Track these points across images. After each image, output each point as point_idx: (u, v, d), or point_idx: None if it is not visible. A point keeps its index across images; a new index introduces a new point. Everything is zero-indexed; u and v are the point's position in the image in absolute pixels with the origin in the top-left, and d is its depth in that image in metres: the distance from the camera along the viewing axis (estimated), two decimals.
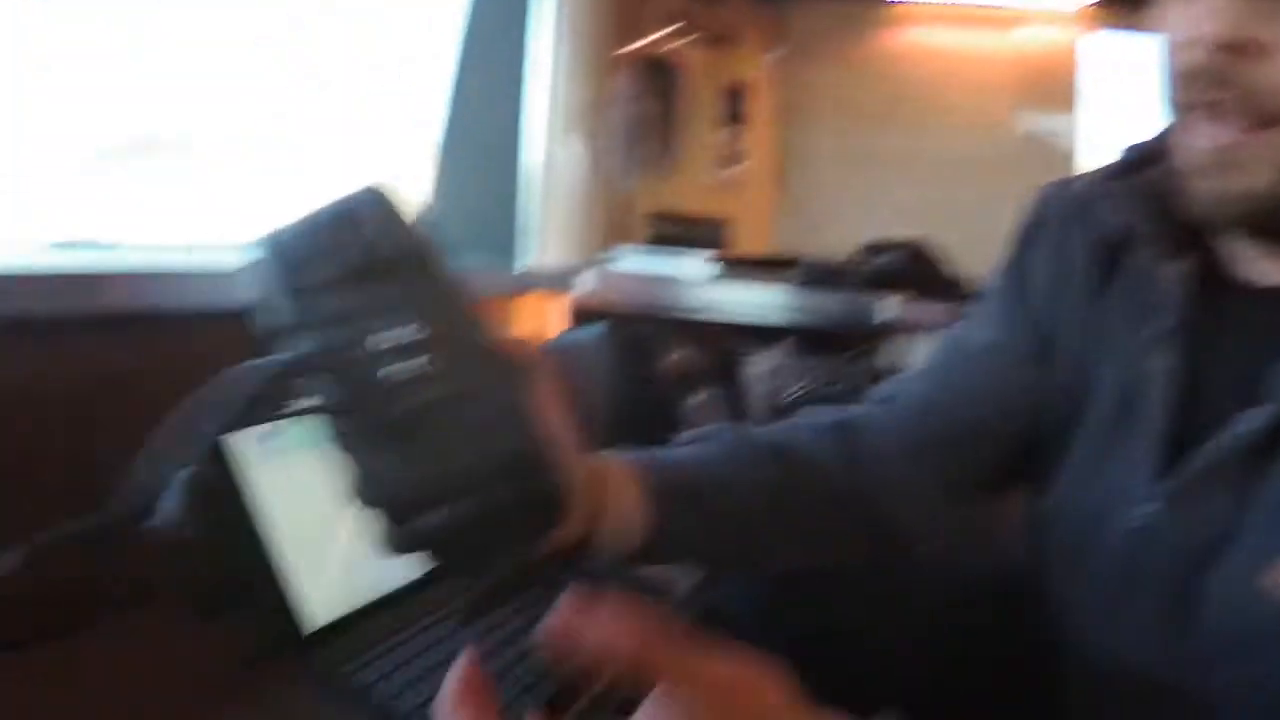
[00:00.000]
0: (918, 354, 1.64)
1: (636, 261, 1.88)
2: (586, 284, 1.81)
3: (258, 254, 0.48)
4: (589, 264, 1.88)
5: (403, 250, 0.48)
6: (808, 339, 1.83)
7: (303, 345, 0.45)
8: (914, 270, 1.81)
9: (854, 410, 0.85)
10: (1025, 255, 0.82)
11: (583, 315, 1.78)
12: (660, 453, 0.75)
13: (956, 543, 0.85)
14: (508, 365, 0.47)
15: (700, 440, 0.79)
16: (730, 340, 1.90)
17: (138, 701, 0.86)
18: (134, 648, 0.95)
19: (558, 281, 1.82)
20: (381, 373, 0.45)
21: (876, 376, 1.69)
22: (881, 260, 1.87)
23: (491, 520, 0.45)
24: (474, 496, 0.44)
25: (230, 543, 0.88)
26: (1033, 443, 0.80)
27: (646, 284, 1.80)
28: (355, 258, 0.47)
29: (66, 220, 1.19)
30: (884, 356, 1.71)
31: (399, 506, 0.44)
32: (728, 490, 0.73)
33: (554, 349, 1.47)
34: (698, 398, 1.71)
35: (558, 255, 1.90)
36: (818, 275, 1.76)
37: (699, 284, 1.77)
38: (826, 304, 1.70)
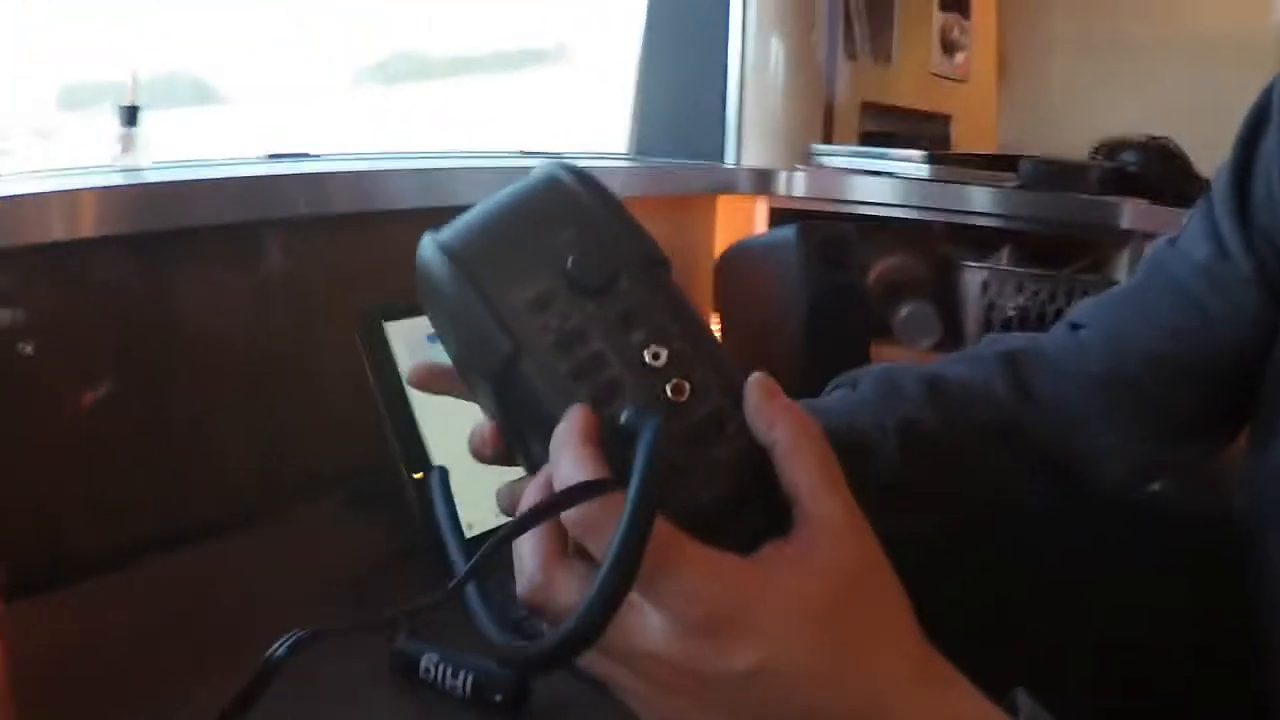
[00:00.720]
0: None
1: (846, 159, 1.77)
2: (792, 183, 1.72)
3: (431, 262, 0.44)
4: (795, 162, 1.78)
5: (612, 252, 0.44)
6: (1032, 247, 1.69)
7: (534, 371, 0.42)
8: (1157, 172, 1.63)
9: (1035, 337, 0.77)
10: (1249, 157, 0.70)
11: (787, 216, 1.68)
12: (807, 403, 0.69)
13: (1147, 497, 0.75)
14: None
15: (848, 385, 0.73)
16: (945, 247, 1.78)
17: (288, 595, 0.88)
18: (295, 539, 1.02)
19: (762, 180, 1.73)
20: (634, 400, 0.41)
21: None
22: (1119, 160, 1.69)
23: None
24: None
25: (391, 445, 0.90)
26: (1251, 383, 0.69)
27: (855, 183, 1.68)
28: (564, 266, 0.43)
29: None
30: (1119, 270, 1.56)
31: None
32: (877, 442, 0.68)
33: (751, 251, 1.40)
34: (906, 310, 1.61)
35: (763, 153, 1.80)
36: (1045, 176, 1.61)
37: (913, 184, 1.64)
38: (1054, 208, 1.55)
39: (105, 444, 0.97)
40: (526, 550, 0.41)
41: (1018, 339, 0.78)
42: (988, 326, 1.63)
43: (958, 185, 1.61)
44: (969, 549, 0.76)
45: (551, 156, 1.63)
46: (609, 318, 0.42)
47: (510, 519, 0.41)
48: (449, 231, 0.45)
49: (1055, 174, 1.60)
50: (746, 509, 0.42)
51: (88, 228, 0.92)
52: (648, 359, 0.42)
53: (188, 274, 1.04)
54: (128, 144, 1.06)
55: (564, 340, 0.42)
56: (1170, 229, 0.76)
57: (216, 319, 1.07)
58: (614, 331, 0.42)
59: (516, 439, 0.46)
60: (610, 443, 0.40)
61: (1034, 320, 1.60)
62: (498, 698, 0.73)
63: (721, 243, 1.73)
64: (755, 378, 0.44)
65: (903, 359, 1.64)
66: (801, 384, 1.25)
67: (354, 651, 0.82)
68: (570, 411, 0.41)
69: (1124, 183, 1.61)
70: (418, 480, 0.92)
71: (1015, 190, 1.59)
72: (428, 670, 0.78)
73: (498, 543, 0.39)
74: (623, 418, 0.40)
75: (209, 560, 0.96)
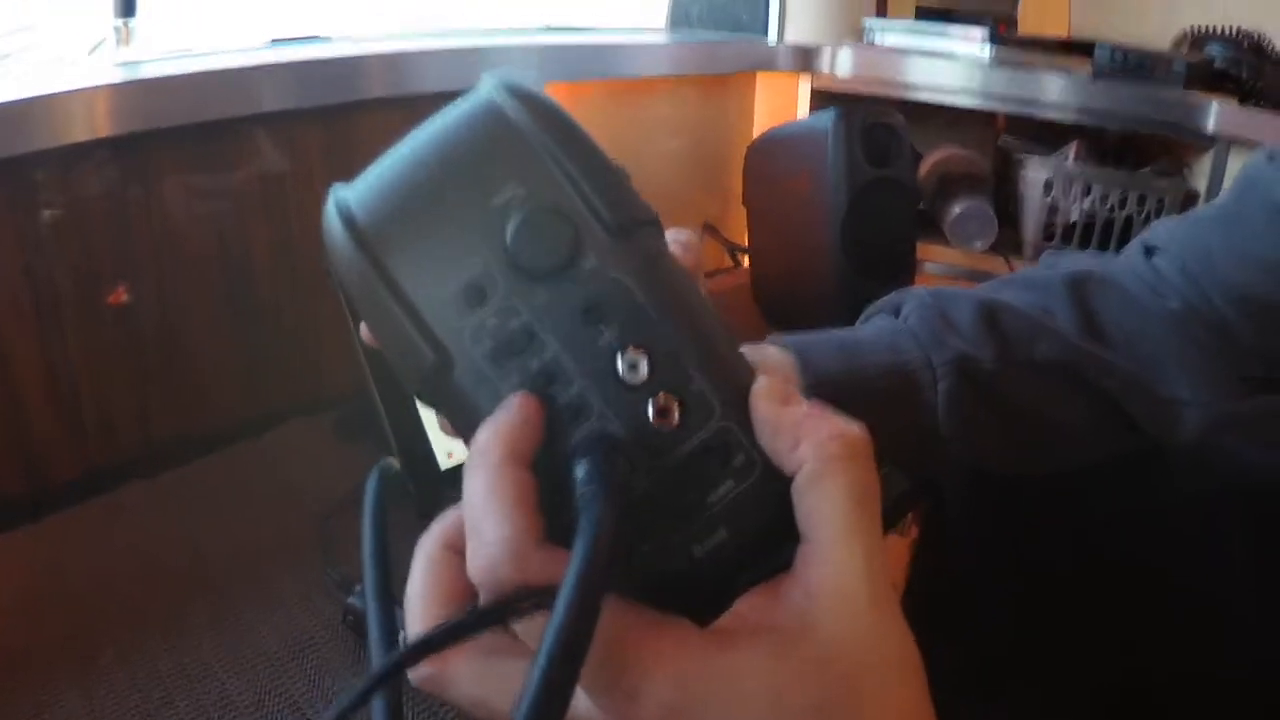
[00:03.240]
0: None
1: (900, 36, 1.61)
2: (837, 61, 1.56)
3: (333, 236, 0.33)
4: (844, 37, 1.63)
5: (570, 216, 0.32)
6: (1102, 144, 1.53)
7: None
8: (1248, 67, 1.46)
9: (1105, 261, 0.67)
10: None
11: (831, 99, 1.54)
12: (844, 334, 0.59)
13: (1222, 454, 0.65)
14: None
15: (889, 312, 0.63)
16: (1005, 139, 1.63)
17: (276, 511, 0.90)
18: (283, 460, 1.00)
19: (805, 58, 1.58)
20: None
21: (1186, 200, 1.41)
22: (1206, 52, 1.53)
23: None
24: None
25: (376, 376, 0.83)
26: None
27: (909, 64, 1.52)
28: (502, 240, 0.32)
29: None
30: (1198, 175, 1.41)
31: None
32: (925, 382, 0.57)
33: (784, 139, 1.26)
34: (960, 208, 1.47)
35: (809, 26, 1.65)
36: (1121, 65, 1.44)
37: (972, 67, 1.48)
38: (1131, 102, 1.38)
39: (90, 362, 0.94)
40: (416, 625, 0.34)
41: (1084, 261, 0.68)
42: (1048, 231, 1.49)
43: (1024, 71, 1.45)
44: (1010, 505, 0.67)
45: (577, 30, 1.50)
46: (566, 312, 0.31)
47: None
48: (357, 190, 0.33)
49: (1134, 64, 1.44)
50: (750, 560, 0.32)
51: (88, 130, 0.86)
52: (622, 370, 0.31)
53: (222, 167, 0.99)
54: (125, 37, 0.98)
55: (505, 347, 0.31)
56: (1266, 137, 0.65)
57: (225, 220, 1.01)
58: (574, 331, 0.31)
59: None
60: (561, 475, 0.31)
61: (1100, 228, 1.46)
62: None
63: (760, 127, 1.59)
64: (762, 384, 0.33)
65: (951, 262, 1.52)
66: (837, 293, 1.14)
67: (314, 605, 0.79)
68: (494, 423, 0.31)
69: (1210, 79, 1.44)
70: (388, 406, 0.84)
71: (1088, 80, 1.43)
72: None
73: (404, 655, 0.30)
74: (576, 476, 0.30)
75: (179, 487, 0.95)
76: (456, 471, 0.84)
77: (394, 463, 0.40)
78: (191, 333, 1.01)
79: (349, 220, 0.32)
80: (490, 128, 0.33)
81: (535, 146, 0.32)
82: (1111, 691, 0.66)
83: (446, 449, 0.84)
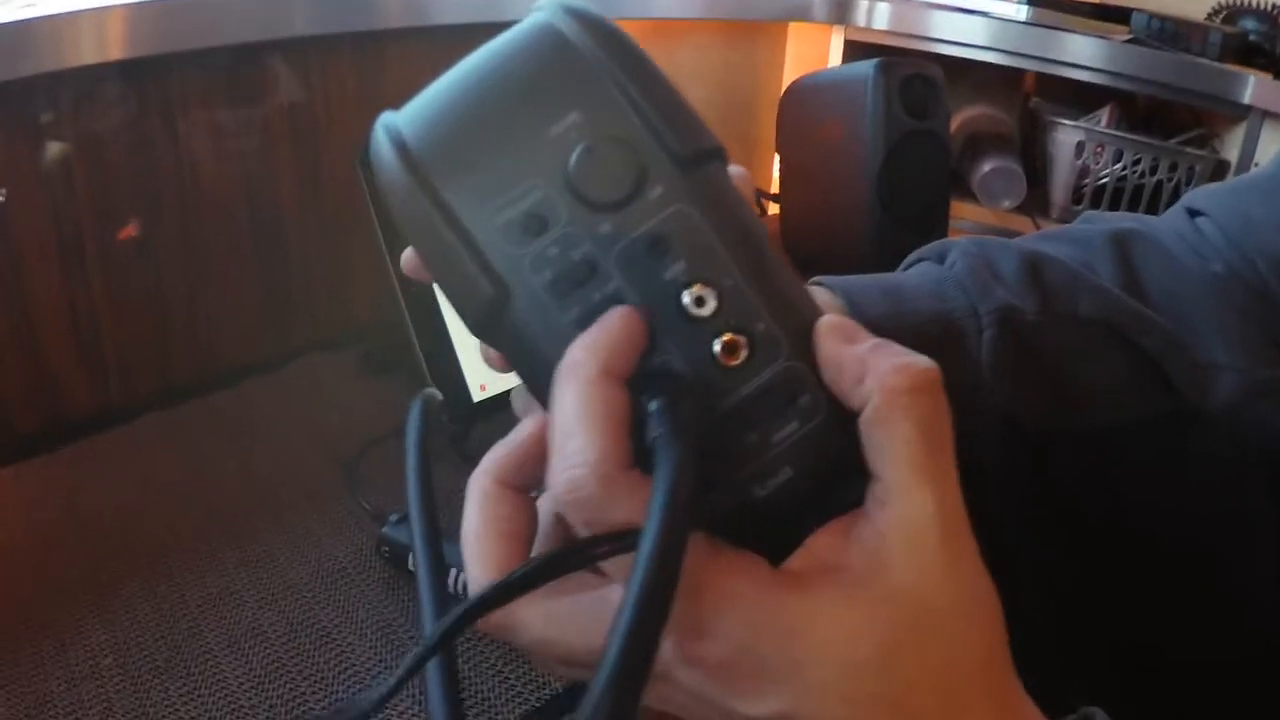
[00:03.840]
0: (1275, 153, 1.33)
1: None
2: (873, 14, 1.54)
3: (385, 161, 0.32)
4: None
5: (638, 145, 0.31)
6: (1135, 110, 1.52)
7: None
8: None
9: (1147, 220, 0.65)
10: None
11: (864, 51, 1.53)
12: (888, 278, 0.58)
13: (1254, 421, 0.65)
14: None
15: (934, 259, 0.61)
16: (1035, 100, 1.62)
17: (299, 443, 0.90)
18: (305, 392, 0.99)
19: (840, 9, 1.55)
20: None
21: (1216, 171, 1.40)
22: (1240, 25, 1.51)
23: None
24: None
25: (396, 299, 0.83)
26: None
27: (944, 20, 1.50)
28: (565, 168, 0.30)
29: None
30: (1230, 146, 1.40)
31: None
32: (970, 329, 0.56)
33: (822, 87, 1.25)
34: (990, 166, 1.46)
35: None
36: (1160, 32, 1.43)
37: (1007, 24, 1.46)
38: (1169, 70, 1.37)
39: (103, 296, 0.92)
40: (474, 566, 0.33)
41: (1125, 219, 0.66)
42: (1077, 194, 1.48)
43: (1060, 31, 1.43)
44: (1041, 460, 0.66)
45: None
46: (632, 244, 0.30)
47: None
48: (407, 115, 0.32)
49: (1173, 32, 1.42)
50: (817, 498, 0.31)
51: (104, 53, 0.83)
52: (688, 303, 0.30)
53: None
54: None
55: (566, 277, 0.30)
56: None
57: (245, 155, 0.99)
58: (639, 264, 0.30)
59: (529, 384, 0.34)
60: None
61: (1129, 193, 1.45)
62: None
63: (791, 77, 1.58)
64: (827, 321, 0.32)
65: (978, 220, 1.52)
66: (870, 244, 1.14)
67: (343, 537, 0.78)
68: (591, 337, 0.30)
69: (1243, 53, 1.42)
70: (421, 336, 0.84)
71: (1126, 44, 1.42)
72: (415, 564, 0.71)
73: (478, 606, 0.29)
74: (648, 413, 0.29)
75: (203, 420, 0.94)
76: (489, 404, 0.84)
77: (436, 393, 0.39)
78: (214, 268, 0.99)
79: (401, 147, 0.31)
80: (551, 51, 0.31)
81: (598, 71, 0.31)
82: (1131, 656, 0.66)
83: (479, 381, 0.84)
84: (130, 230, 0.91)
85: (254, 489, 0.82)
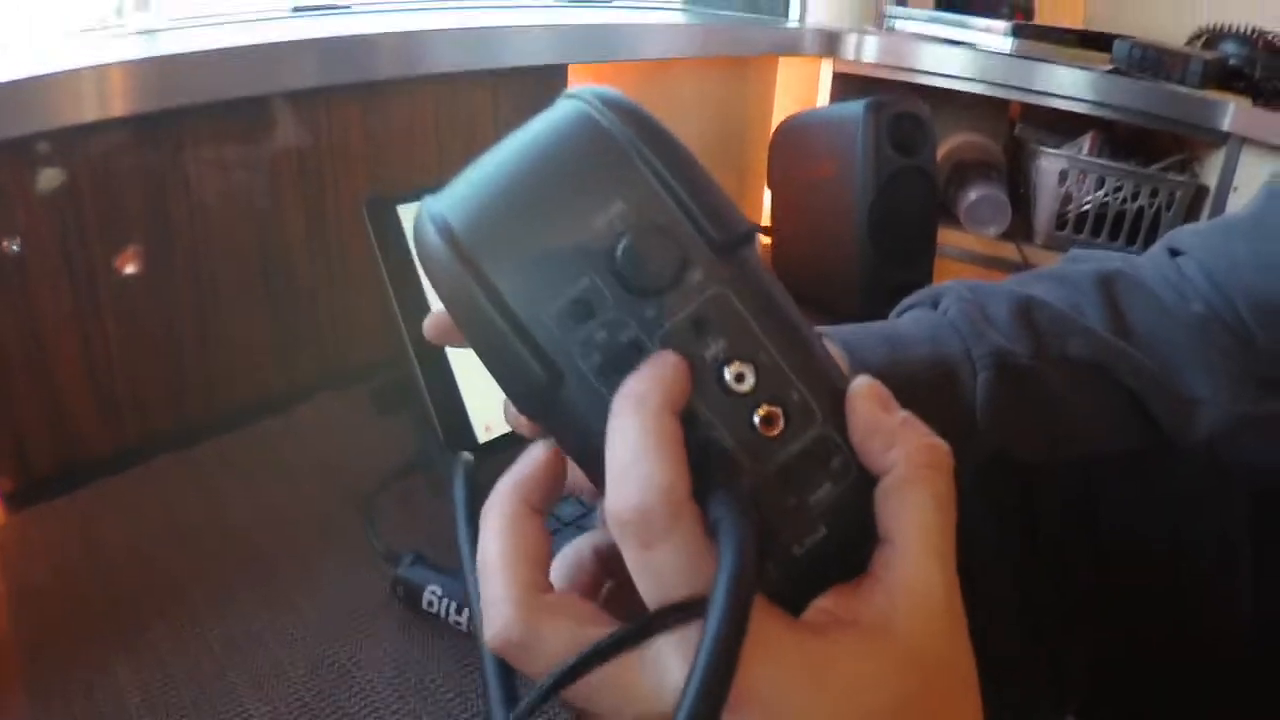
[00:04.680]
0: (1253, 177, 1.36)
1: (921, 24, 1.63)
2: (861, 47, 1.58)
3: (431, 249, 0.33)
4: (866, 23, 1.65)
5: (678, 232, 0.32)
6: (1116, 136, 1.56)
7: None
8: (1262, 66, 1.47)
9: (1131, 260, 0.67)
10: None
11: (853, 83, 1.56)
12: (885, 326, 0.61)
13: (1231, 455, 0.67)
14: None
15: (928, 304, 0.64)
16: (1021, 127, 1.65)
17: (312, 484, 0.91)
18: (315, 433, 1.01)
19: (829, 42, 1.59)
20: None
21: (1197, 196, 1.43)
22: (1220, 49, 1.55)
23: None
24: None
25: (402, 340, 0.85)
26: None
27: (930, 52, 1.54)
28: (611, 256, 0.32)
29: None
30: (1210, 172, 1.43)
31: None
32: (964, 374, 0.59)
33: (813, 125, 1.28)
34: (975, 194, 1.50)
35: (831, 11, 1.66)
36: (1142, 61, 1.47)
37: (993, 57, 1.50)
38: (1149, 99, 1.41)
39: (116, 339, 0.94)
40: (496, 586, 0.33)
41: (1111, 259, 0.68)
42: (1061, 220, 1.52)
43: (1044, 63, 1.47)
44: (1023, 490, 0.68)
45: (598, 5, 1.50)
46: (674, 326, 0.32)
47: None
48: (449, 200, 0.33)
49: (1154, 60, 1.46)
50: (841, 556, 0.33)
51: (116, 106, 0.84)
52: (730, 380, 0.32)
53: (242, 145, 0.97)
54: (141, 2, 0.98)
55: (614, 360, 0.31)
56: (1270, 137, 0.65)
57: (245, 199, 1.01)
58: (683, 345, 0.32)
59: (572, 454, 0.36)
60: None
61: (1111, 219, 1.48)
62: None
63: (781, 109, 1.61)
64: (863, 384, 0.34)
65: (964, 246, 1.55)
66: (859, 276, 1.17)
67: (358, 577, 0.80)
68: (650, 372, 0.31)
69: (1224, 77, 1.46)
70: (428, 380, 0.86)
71: (1108, 74, 1.45)
72: (430, 604, 0.74)
73: (550, 689, 0.30)
74: (709, 506, 0.30)
75: (217, 461, 0.96)
76: (493, 445, 0.86)
77: (470, 457, 0.40)
78: (223, 308, 1.01)
79: (447, 233, 0.32)
80: (590, 143, 0.33)
81: (636, 160, 0.32)
82: (1113, 685, 0.68)
83: (484, 422, 0.87)
84: (129, 256, 0.93)
85: (270, 529, 0.84)
